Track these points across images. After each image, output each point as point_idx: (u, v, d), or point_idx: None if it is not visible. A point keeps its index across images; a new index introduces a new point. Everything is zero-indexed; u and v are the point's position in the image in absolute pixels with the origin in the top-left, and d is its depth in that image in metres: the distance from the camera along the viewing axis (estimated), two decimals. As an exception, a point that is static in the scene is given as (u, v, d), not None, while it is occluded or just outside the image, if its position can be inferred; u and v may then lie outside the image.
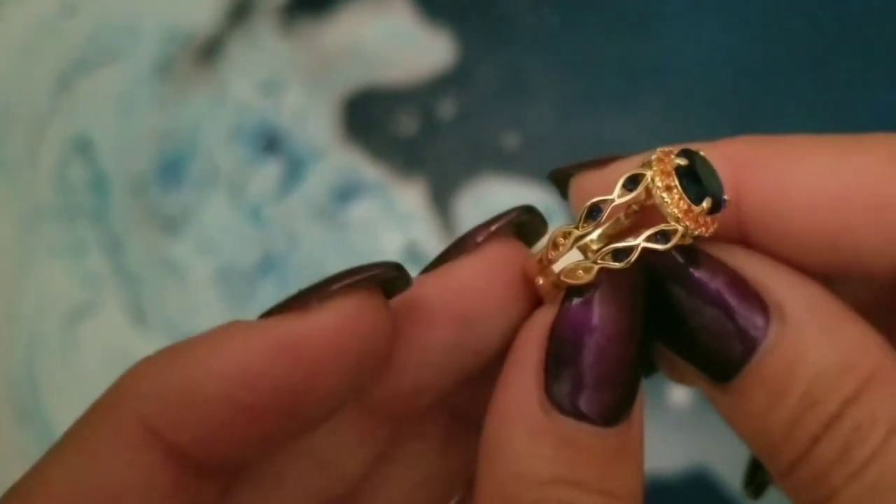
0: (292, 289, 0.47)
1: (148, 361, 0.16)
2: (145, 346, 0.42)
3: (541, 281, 0.17)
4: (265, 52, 0.46)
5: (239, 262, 0.43)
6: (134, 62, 0.46)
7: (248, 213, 0.43)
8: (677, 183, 0.16)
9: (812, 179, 0.16)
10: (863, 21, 0.44)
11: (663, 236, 0.16)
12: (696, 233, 0.16)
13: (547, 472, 0.16)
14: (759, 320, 0.16)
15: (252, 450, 0.16)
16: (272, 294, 0.42)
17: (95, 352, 0.42)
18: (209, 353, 0.15)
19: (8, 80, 0.46)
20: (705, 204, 0.16)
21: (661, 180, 0.16)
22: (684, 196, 0.16)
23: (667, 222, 0.16)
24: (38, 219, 0.44)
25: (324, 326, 0.15)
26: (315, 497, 0.18)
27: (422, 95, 0.44)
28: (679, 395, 0.39)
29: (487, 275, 0.17)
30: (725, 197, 0.17)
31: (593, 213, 0.17)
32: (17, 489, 0.15)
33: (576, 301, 0.16)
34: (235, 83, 0.45)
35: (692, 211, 0.16)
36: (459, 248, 0.18)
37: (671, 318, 0.17)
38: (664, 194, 0.16)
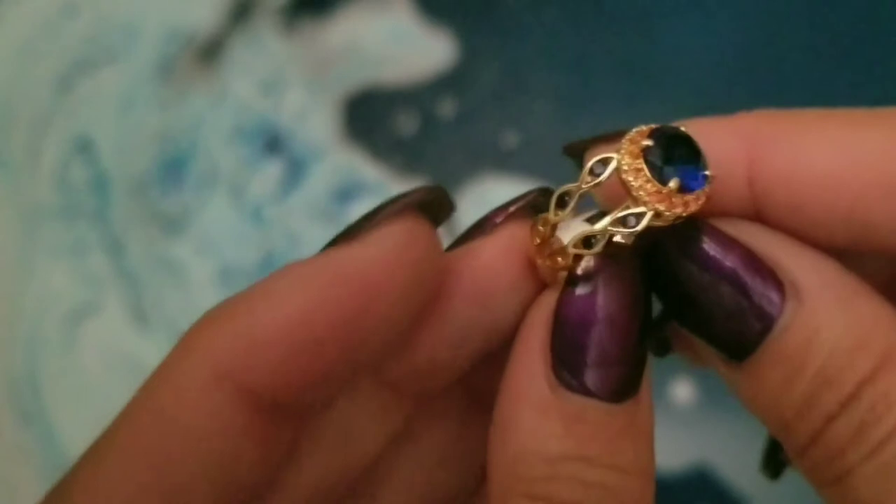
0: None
1: (214, 310, 0.16)
2: (146, 346, 0.42)
3: (539, 262, 0.17)
4: (266, 52, 0.46)
5: (240, 263, 0.43)
6: (135, 62, 0.46)
7: (248, 213, 0.43)
8: (644, 164, 0.16)
9: (826, 154, 0.16)
10: (863, 21, 0.44)
11: (635, 218, 0.16)
12: (670, 213, 0.16)
13: (556, 449, 0.16)
14: (774, 298, 0.16)
15: (319, 388, 0.16)
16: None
17: (96, 352, 0.42)
18: (270, 293, 0.16)
19: (9, 80, 0.46)
20: (672, 184, 0.16)
21: (629, 162, 0.16)
22: (651, 178, 0.16)
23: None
24: (38, 219, 0.44)
25: (374, 254, 0.16)
26: (333, 474, 0.18)
27: (422, 95, 0.44)
28: (682, 393, 0.39)
29: (504, 255, 0.17)
30: (707, 172, 0.17)
31: (563, 200, 0.17)
32: (104, 436, 0.16)
33: (579, 284, 0.16)
34: (236, 83, 0.45)
35: (661, 192, 0.16)
36: (478, 229, 0.18)
37: (684, 296, 0.17)
38: (629, 177, 0.16)
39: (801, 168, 0.16)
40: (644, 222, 0.16)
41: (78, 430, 0.41)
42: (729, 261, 0.16)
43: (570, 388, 0.16)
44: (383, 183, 0.43)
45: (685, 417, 0.39)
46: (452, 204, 0.18)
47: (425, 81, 0.45)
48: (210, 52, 0.46)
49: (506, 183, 0.43)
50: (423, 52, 0.45)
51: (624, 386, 0.16)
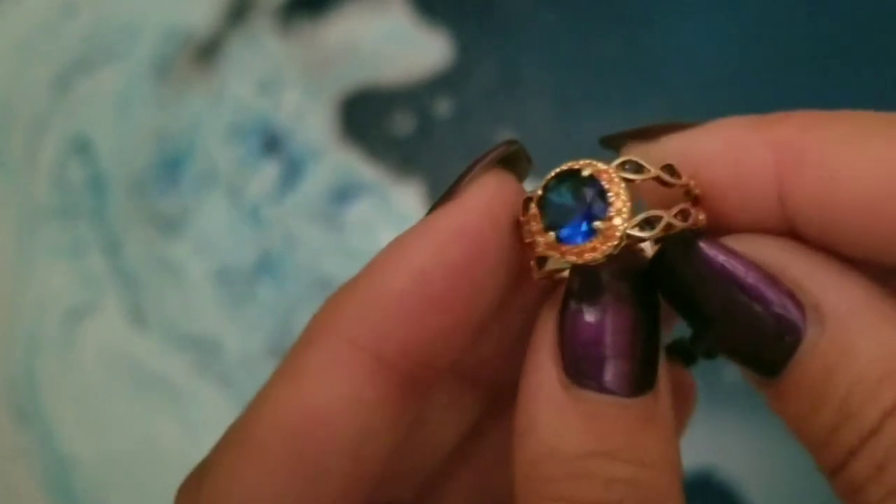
0: (290, 290, 0.47)
1: (344, 286, 0.17)
2: (144, 346, 0.42)
3: (536, 275, 0.17)
4: (263, 51, 0.46)
5: (237, 263, 0.43)
6: (133, 62, 0.46)
7: (246, 213, 0.43)
8: (538, 212, 0.16)
9: (861, 175, 0.15)
10: (863, 20, 0.44)
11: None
12: (567, 260, 0.16)
13: (577, 446, 0.16)
14: (796, 321, 0.16)
15: (443, 351, 0.17)
16: (271, 295, 0.42)
17: (94, 352, 0.42)
18: (388, 261, 0.17)
19: (7, 79, 0.46)
20: (550, 237, 0.16)
21: (534, 210, 0.17)
22: (541, 228, 0.16)
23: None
24: (37, 219, 0.44)
25: (474, 206, 0.17)
26: (410, 465, 0.19)
27: (419, 95, 0.44)
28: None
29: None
30: (597, 224, 0.16)
31: (527, 204, 0.17)
32: (249, 410, 0.17)
33: (579, 289, 0.16)
34: (234, 83, 0.45)
35: (549, 242, 0.16)
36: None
37: (704, 314, 0.16)
38: (532, 225, 0.17)
39: (835, 188, 0.16)
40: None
41: (76, 430, 0.41)
42: (746, 280, 0.16)
43: (583, 385, 0.16)
44: (380, 183, 0.43)
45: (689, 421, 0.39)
46: (530, 158, 0.18)
47: (422, 81, 0.45)
48: (207, 51, 0.46)
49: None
50: (420, 51, 0.45)
51: (638, 380, 0.16)
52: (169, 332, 0.42)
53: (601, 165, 0.16)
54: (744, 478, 0.38)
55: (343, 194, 0.43)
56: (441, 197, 0.17)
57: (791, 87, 0.43)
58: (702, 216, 0.17)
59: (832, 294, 0.16)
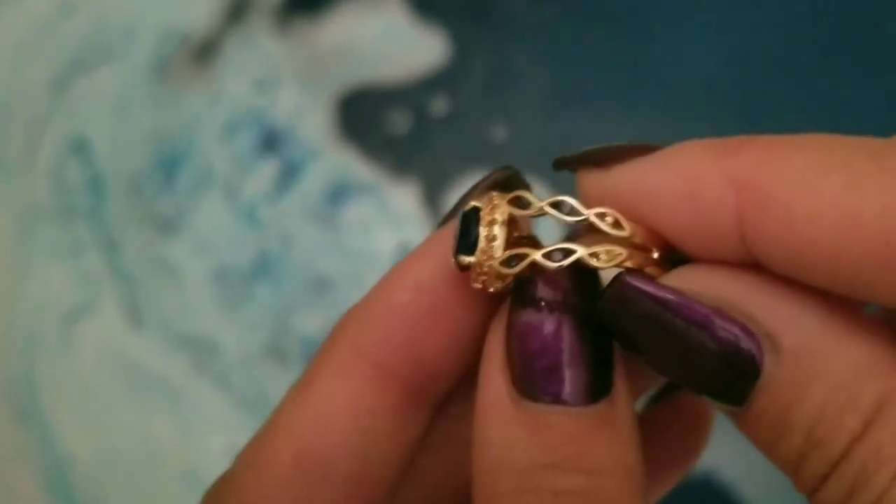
0: (288, 290, 0.47)
1: (354, 305, 0.18)
2: (142, 346, 0.42)
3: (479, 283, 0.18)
4: (261, 51, 0.46)
5: (234, 263, 0.43)
6: (131, 62, 0.46)
7: (243, 213, 0.43)
8: (458, 232, 0.17)
9: (822, 216, 0.15)
10: (863, 20, 0.44)
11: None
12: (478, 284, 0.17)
13: (525, 459, 0.16)
14: (750, 354, 0.15)
15: (443, 359, 0.18)
16: (268, 295, 0.42)
17: (92, 352, 0.42)
18: (396, 276, 0.18)
19: (5, 80, 0.46)
20: (461, 259, 0.17)
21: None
22: (457, 246, 0.17)
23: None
24: (34, 219, 0.44)
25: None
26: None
27: (415, 94, 0.44)
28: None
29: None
30: (468, 259, 0.17)
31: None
32: (266, 423, 0.18)
33: (523, 299, 0.17)
34: (231, 83, 0.45)
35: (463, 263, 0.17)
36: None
37: (655, 354, 0.16)
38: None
39: (796, 233, 0.15)
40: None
41: (74, 430, 0.41)
42: (696, 316, 0.16)
43: (532, 397, 0.16)
44: (377, 183, 0.43)
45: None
46: (526, 183, 0.19)
47: (419, 80, 0.45)
48: (205, 51, 0.46)
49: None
50: (417, 50, 0.45)
51: (589, 390, 0.16)
52: (167, 332, 0.42)
53: (493, 201, 0.17)
54: (743, 481, 0.38)
55: (339, 195, 0.43)
56: (444, 218, 0.18)
57: (787, 86, 0.43)
58: (636, 260, 0.16)
59: (787, 322, 0.15)
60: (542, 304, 0.16)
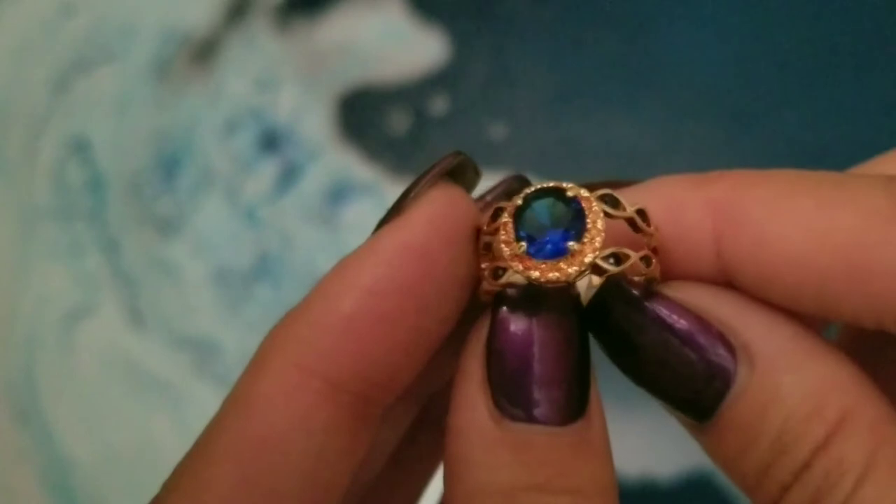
0: (288, 290, 0.47)
1: (292, 310, 0.17)
2: (142, 347, 0.42)
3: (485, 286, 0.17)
4: (260, 51, 0.46)
5: (235, 264, 0.43)
6: (131, 62, 0.46)
7: (243, 213, 0.43)
8: (511, 222, 0.16)
9: (792, 237, 0.16)
10: (863, 21, 0.44)
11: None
12: (527, 275, 0.16)
13: (507, 480, 0.16)
14: (726, 363, 0.16)
15: (394, 371, 0.17)
16: (268, 295, 0.42)
17: (93, 353, 0.42)
18: (337, 280, 0.17)
19: (6, 80, 0.46)
20: (522, 247, 0.16)
21: (506, 219, 0.17)
22: (511, 238, 0.16)
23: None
24: (35, 219, 0.44)
25: (422, 220, 0.17)
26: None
27: (415, 94, 0.44)
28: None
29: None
30: (570, 244, 0.16)
31: (498, 213, 0.17)
32: (197, 444, 0.17)
33: (507, 312, 0.16)
34: (231, 82, 0.45)
35: (516, 254, 0.16)
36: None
37: (637, 359, 0.17)
38: (500, 234, 0.16)
39: (765, 247, 0.16)
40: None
41: (75, 431, 0.41)
42: (678, 325, 0.16)
43: (512, 417, 0.16)
44: (376, 183, 0.43)
45: (679, 425, 0.39)
46: (478, 169, 0.18)
47: (418, 79, 0.45)
48: (205, 51, 0.46)
49: (496, 178, 0.43)
50: (416, 49, 0.45)
51: (568, 408, 0.16)
52: (167, 332, 0.42)
53: (584, 192, 0.17)
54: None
55: (339, 195, 0.43)
56: (387, 214, 0.17)
57: (786, 88, 0.43)
58: (657, 266, 0.17)
59: (760, 334, 0.16)
60: (531, 319, 0.16)
